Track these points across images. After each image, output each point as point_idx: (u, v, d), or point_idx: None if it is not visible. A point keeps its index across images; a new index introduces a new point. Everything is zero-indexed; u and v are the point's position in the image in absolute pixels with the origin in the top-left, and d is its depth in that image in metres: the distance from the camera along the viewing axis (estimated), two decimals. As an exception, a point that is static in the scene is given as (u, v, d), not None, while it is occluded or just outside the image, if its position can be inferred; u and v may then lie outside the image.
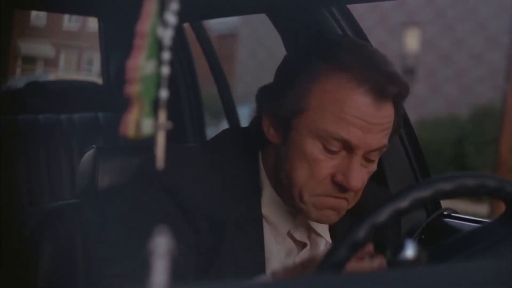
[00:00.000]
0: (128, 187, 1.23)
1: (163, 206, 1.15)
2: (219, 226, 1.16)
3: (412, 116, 1.83)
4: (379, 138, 1.15)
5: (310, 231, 1.25)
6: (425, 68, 14.94)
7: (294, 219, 1.23)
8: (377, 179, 1.53)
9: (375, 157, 1.17)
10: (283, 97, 1.17)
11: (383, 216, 0.89)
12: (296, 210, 1.20)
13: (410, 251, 0.82)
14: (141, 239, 1.11)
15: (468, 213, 1.75)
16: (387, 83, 1.12)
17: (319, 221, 1.21)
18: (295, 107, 1.15)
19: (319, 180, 1.15)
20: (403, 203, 0.90)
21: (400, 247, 0.84)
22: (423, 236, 1.57)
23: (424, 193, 0.92)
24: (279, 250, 1.22)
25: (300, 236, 1.24)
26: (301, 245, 1.25)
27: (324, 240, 1.26)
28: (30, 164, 2.24)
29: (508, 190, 0.96)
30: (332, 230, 1.28)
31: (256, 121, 1.24)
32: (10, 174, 2.16)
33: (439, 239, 1.25)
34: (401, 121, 1.22)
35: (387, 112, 1.15)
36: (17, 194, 2.18)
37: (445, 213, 1.61)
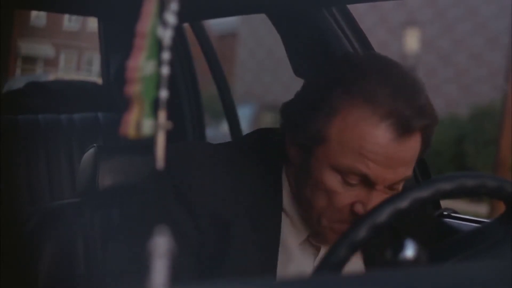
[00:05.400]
0: (140, 185, 1.22)
1: (168, 205, 1.13)
2: (229, 226, 1.14)
3: (412, 116, 1.83)
4: (402, 172, 1.09)
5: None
6: (425, 68, 14.94)
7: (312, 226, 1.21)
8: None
9: (399, 187, 1.12)
10: (305, 123, 1.12)
11: (383, 216, 0.89)
12: (313, 232, 1.18)
13: (410, 251, 0.82)
14: (142, 239, 1.12)
15: (468, 213, 1.75)
16: (414, 116, 1.05)
17: (332, 242, 1.19)
18: (316, 137, 1.10)
19: (337, 209, 1.11)
20: (403, 203, 0.90)
21: (400, 247, 0.84)
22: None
23: (424, 193, 0.92)
24: (299, 253, 1.20)
25: (319, 241, 1.21)
26: (319, 250, 1.22)
27: None
28: (30, 164, 2.24)
29: (508, 190, 0.96)
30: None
31: (281, 134, 1.19)
32: (10, 174, 2.16)
33: (439, 239, 1.25)
34: (428, 149, 1.15)
35: (412, 146, 1.09)
36: (17, 194, 2.18)
37: (445, 213, 1.61)
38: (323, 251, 1.20)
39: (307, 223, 1.18)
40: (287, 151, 1.17)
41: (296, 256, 1.20)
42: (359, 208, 1.10)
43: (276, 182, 1.19)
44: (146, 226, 1.11)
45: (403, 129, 1.05)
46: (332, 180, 1.10)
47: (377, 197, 1.08)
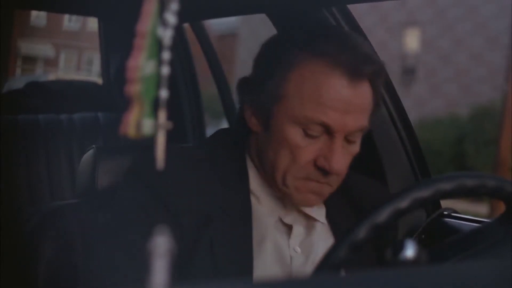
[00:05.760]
0: (118, 188, 1.25)
1: (145, 204, 1.17)
2: (205, 218, 1.18)
3: (412, 116, 1.83)
4: (359, 120, 1.17)
5: (303, 215, 1.27)
6: (425, 68, 14.95)
7: (285, 205, 1.25)
8: (377, 179, 1.53)
9: (357, 138, 1.19)
10: (262, 86, 1.20)
11: (383, 216, 0.89)
12: (281, 194, 1.23)
13: (410, 251, 0.82)
14: (123, 239, 1.14)
15: (468, 213, 1.75)
16: (361, 63, 1.15)
17: (302, 205, 1.23)
18: (274, 95, 1.18)
19: (301, 165, 1.17)
20: (403, 203, 0.90)
21: (400, 247, 0.84)
22: (423, 236, 1.57)
23: (424, 193, 0.92)
24: (271, 234, 1.23)
25: (291, 220, 1.25)
26: (291, 229, 1.26)
27: (319, 223, 1.28)
28: (30, 164, 2.24)
29: (508, 190, 0.96)
30: (332, 225, 1.29)
31: (239, 112, 1.27)
32: (10, 174, 2.16)
33: (439, 239, 1.25)
34: (380, 101, 1.25)
35: (364, 93, 1.17)
36: (17, 194, 2.18)
37: (445, 213, 1.61)
38: (295, 229, 1.24)
39: (274, 187, 1.22)
40: (248, 123, 1.23)
41: (270, 237, 1.23)
42: (322, 162, 1.16)
43: (242, 168, 1.25)
44: (127, 226, 1.13)
45: (353, 75, 1.15)
46: (294, 134, 1.16)
47: (338, 152, 1.16)
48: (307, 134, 1.16)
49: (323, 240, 1.27)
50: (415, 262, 0.82)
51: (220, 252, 1.17)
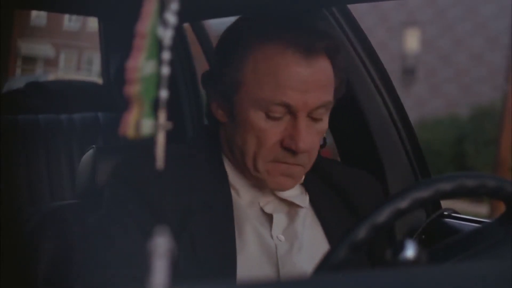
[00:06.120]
0: (104, 190, 1.26)
1: (128, 204, 1.18)
2: (187, 212, 1.19)
3: (412, 116, 1.83)
4: (319, 96, 1.18)
5: (285, 202, 1.28)
6: (425, 68, 14.94)
7: (264, 194, 1.27)
8: (377, 179, 1.53)
9: (322, 115, 1.21)
10: (221, 77, 1.22)
11: (383, 216, 0.89)
12: (255, 181, 1.25)
13: (410, 251, 0.82)
14: (108, 238, 1.15)
15: (468, 213, 1.75)
16: (314, 39, 1.17)
17: (277, 188, 1.24)
18: (233, 83, 1.20)
19: (268, 148, 1.19)
20: (403, 203, 0.90)
21: (400, 247, 0.84)
22: (423, 236, 1.57)
23: (424, 193, 0.92)
24: (253, 225, 1.24)
25: (271, 208, 1.26)
26: (271, 218, 1.27)
27: (303, 210, 1.28)
28: (30, 164, 2.24)
29: (508, 190, 0.96)
30: (320, 216, 1.30)
31: (207, 107, 1.29)
32: (10, 174, 2.15)
33: (439, 239, 1.25)
34: (345, 76, 1.26)
35: (322, 68, 1.19)
36: (17, 194, 2.18)
37: (445, 213, 1.61)
38: (276, 218, 1.25)
39: (247, 176, 1.24)
40: (215, 115, 1.25)
41: (252, 228, 1.24)
42: (288, 142, 1.18)
43: (219, 162, 1.27)
44: (111, 226, 1.15)
45: (307, 52, 1.17)
46: (257, 118, 1.18)
47: (303, 130, 1.17)
48: (269, 117, 1.18)
49: (308, 226, 1.28)
50: (415, 262, 0.82)
51: (202, 246, 1.18)
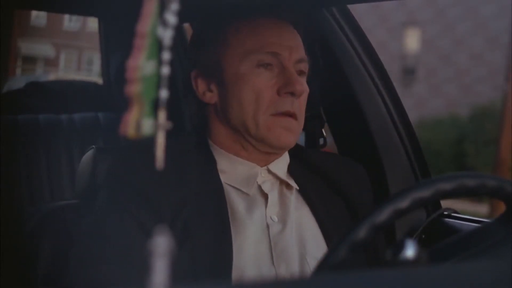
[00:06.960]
0: (99, 190, 1.27)
1: (124, 200, 1.19)
2: (180, 203, 1.20)
3: (412, 116, 1.83)
4: (299, 50, 1.28)
5: (276, 179, 1.30)
6: (425, 68, 14.94)
7: (257, 173, 1.28)
8: (377, 179, 1.53)
9: (305, 69, 1.29)
10: (205, 54, 1.29)
11: (383, 216, 0.89)
12: (251, 154, 1.28)
13: (410, 251, 0.82)
14: (105, 237, 1.16)
15: (468, 213, 1.75)
16: (283, 11, 1.30)
17: (278, 144, 1.27)
18: (219, 51, 1.27)
19: (266, 99, 1.24)
20: (403, 203, 0.90)
21: (400, 247, 0.84)
22: (423, 236, 1.57)
23: (424, 193, 0.92)
24: (247, 205, 1.26)
25: (268, 187, 1.28)
26: (266, 198, 1.28)
27: (293, 191, 1.31)
28: (30, 164, 2.24)
29: (508, 190, 0.96)
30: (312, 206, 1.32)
31: (195, 104, 1.34)
32: (10, 174, 2.15)
33: (439, 239, 1.25)
34: (306, 52, 1.33)
35: (291, 33, 1.30)
36: (17, 194, 2.18)
37: (445, 213, 1.61)
38: (270, 197, 1.27)
39: (248, 135, 1.26)
40: (203, 100, 1.30)
41: (246, 209, 1.25)
42: (284, 88, 1.23)
43: (207, 151, 1.29)
44: (111, 226, 1.15)
45: (278, 19, 1.29)
46: (249, 68, 1.24)
47: (295, 74, 1.25)
48: (260, 65, 1.24)
49: (298, 207, 1.30)
50: (415, 262, 0.81)
51: (196, 234, 1.19)
